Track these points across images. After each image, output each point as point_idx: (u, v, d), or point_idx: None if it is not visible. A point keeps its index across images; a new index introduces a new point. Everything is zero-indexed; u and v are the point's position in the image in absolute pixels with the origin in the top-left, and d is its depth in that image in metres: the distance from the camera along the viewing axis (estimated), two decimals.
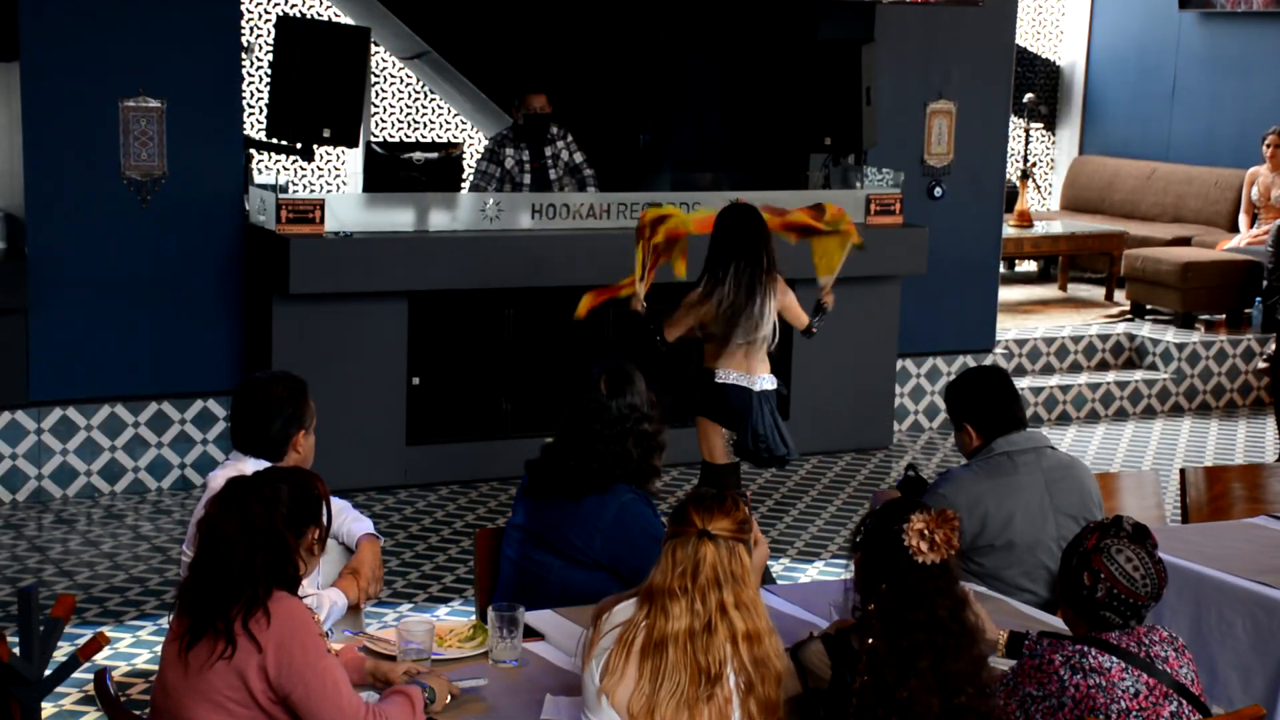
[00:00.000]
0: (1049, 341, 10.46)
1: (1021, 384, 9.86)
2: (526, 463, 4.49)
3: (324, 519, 3.50)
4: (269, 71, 8.50)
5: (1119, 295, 11.75)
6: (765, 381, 6.53)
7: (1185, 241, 12.01)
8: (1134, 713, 3.49)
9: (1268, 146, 11.62)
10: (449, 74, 10.61)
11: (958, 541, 3.32)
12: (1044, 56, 13.94)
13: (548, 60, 9.94)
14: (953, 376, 5.86)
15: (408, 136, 11.91)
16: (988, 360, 9.74)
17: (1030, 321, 10.93)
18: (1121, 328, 10.85)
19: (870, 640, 3.29)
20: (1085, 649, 3.54)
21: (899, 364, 9.39)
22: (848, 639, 3.39)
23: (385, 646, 3.83)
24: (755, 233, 6.47)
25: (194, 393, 7.89)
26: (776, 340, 6.54)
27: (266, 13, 11.39)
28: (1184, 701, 3.54)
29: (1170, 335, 10.62)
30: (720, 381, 6.50)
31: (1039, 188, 13.83)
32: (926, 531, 3.30)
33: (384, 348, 7.91)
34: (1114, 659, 3.52)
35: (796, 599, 4.36)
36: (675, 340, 6.60)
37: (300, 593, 3.43)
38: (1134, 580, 3.56)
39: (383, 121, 11.86)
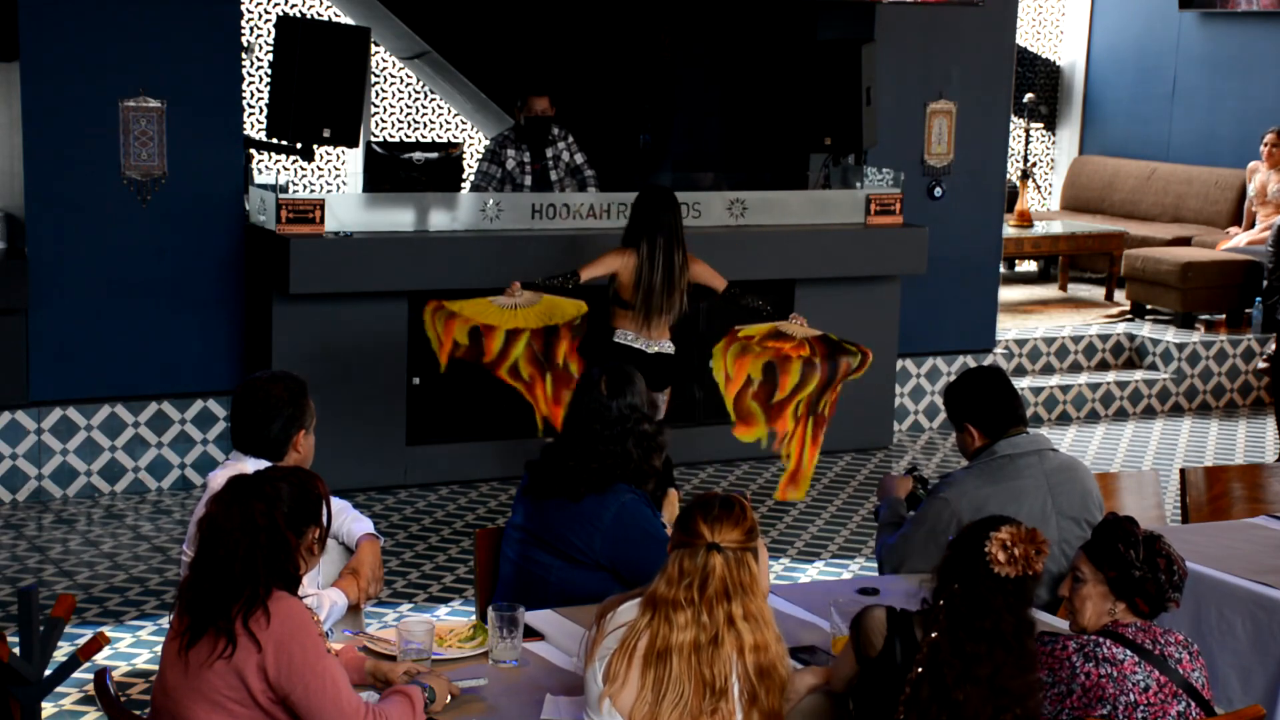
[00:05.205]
0: (1049, 341, 10.46)
1: (1021, 384, 9.86)
2: (526, 463, 4.49)
3: (324, 519, 3.50)
4: (269, 71, 8.50)
5: (1119, 295, 11.75)
6: (661, 345, 7.06)
7: (1185, 241, 12.01)
8: (1141, 706, 3.49)
9: (1266, 146, 11.61)
10: (449, 74, 10.61)
11: (1040, 566, 3.31)
12: (1044, 56, 13.94)
13: (548, 61, 9.94)
14: (953, 377, 5.85)
15: (408, 136, 11.90)
16: (988, 360, 9.74)
17: (1030, 321, 10.92)
18: (1121, 328, 10.84)
19: (934, 635, 3.29)
20: (1100, 639, 3.55)
21: (899, 364, 9.38)
22: (910, 617, 3.38)
23: (385, 646, 3.83)
24: (670, 214, 6.98)
25: (194, 393, 7.89)
26: (683, 311, 7.07)
27: (266, 13, 11.39)
28: (1192, 703, 3.54)
29: (1170, 335, 10.61)
30: (618, 341, 7.04)
31: (1039, 188, 13.83)
32: (1009, 544, 3.28)
33: (384, 348, 7.90)
34: (1128, 652, 3.53)
35: (797, 599, 4.35)
36: (586, 280, 7.05)
37: (300, 592, 3.43)
38: (1180, 561, 3.69)
39: (383, 121, 11.86)
